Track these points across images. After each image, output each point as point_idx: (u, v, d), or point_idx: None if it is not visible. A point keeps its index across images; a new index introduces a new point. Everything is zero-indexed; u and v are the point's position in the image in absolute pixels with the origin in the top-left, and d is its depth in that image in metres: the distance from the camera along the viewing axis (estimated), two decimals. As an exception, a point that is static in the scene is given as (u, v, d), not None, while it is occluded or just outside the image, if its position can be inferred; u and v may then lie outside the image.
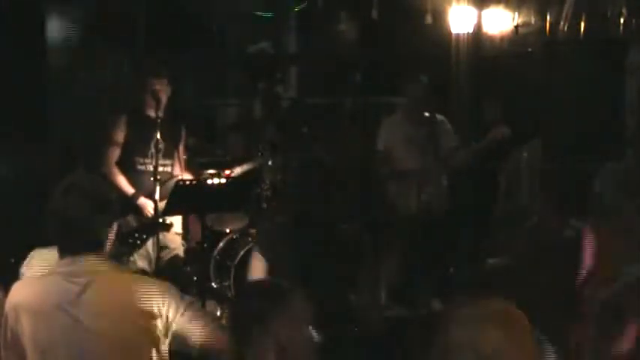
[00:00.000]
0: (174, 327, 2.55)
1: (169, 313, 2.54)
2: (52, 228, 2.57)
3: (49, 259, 2.84)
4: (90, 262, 2.54)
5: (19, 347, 2.52)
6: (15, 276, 3.05)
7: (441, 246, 5.71)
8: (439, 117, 5.90)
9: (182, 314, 2.56)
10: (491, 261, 5.29)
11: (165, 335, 2.54)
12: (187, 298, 2.69)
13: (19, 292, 2.58)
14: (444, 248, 5.76)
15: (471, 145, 5.98)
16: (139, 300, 2.51)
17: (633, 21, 5.52)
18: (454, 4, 7.12)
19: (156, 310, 2.52)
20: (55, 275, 2.55)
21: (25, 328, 2.50)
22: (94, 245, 2.56)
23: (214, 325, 2.64)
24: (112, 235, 2.62)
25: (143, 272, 4.66)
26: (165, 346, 2.55)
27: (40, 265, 2.97)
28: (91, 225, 2.55)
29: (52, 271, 2.58)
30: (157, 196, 4.90)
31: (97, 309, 2.49)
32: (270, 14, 8.19)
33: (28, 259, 3.09)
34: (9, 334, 2.54)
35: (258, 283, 2.98)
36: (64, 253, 2.56)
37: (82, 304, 2.49)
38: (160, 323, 2.52)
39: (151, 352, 2.51)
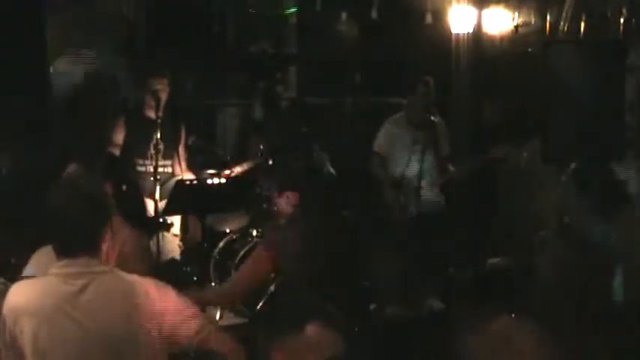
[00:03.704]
0: (172, 328, 2.55)
1: (167, 314, 2.54)
2: (49, 229, 2.57)
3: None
4: (87, 264, 2.54)
5: (17, 349, 2.52)
6: (15, 276, 3.06)
7: (440, 246, 5.71)
8: (438, 119, 5.91)
9: (180, 315, 2.56)
10: (491, 261, 5.29)
11: (164, 336, 2.54)
12: (185, 299, 2.69)
13: (17, 294, 2.58)
14: (444, 248, 5.76)
15: (466, 162, 6.00)
16: (136, 301, 2.51)
17: (633, 21, 5.52)
18: (454, 4, 7.12)
19: (154, 311, 2.52)
20: (53, 277, 2.55)
21: (24, 329, 2.50)
22: (91, 247, 2.56)
23: (211, 331, 2.64)
24: (109, 236, 2.62)
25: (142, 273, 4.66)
26: (164, 348, 2.55)
27: (46, 262, 2.98)
28: (88, 226, 2.55)
29: (49, 273, 2.58)
30: (157, 196, 4.90)
31: (95, 310, 2.49)
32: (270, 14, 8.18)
33: (34, 256, 3.11)
34: (7, 336, 2.54)
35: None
36: (61, 254, 2.56)
37: (80, 306, 2.48)
38: (158, 324, 2.52)
39: (149, 354, 2.51)
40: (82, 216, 2.53)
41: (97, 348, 2.47)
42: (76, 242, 2.54)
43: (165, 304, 2.55)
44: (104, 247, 2.59)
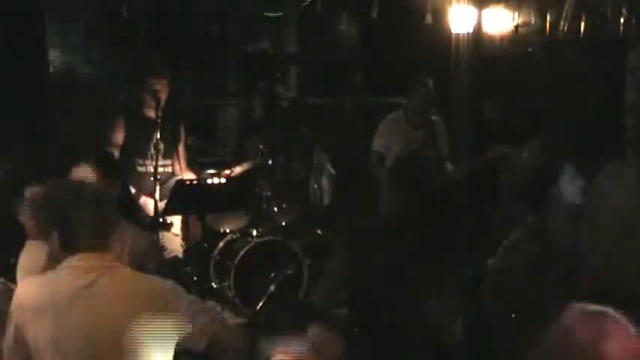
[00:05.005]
0: (181, 325, 2.56)
1: (176, 312, 2.55)
2: (60, 225, 2.59)
3: (40, 252, 2.89)
4: (100, 258, 2.55)
5: (23, 346, 2.52)
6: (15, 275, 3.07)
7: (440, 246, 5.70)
8: (436, 118, 5.91)
9: (189, 312, 2.57)
10: (491, 261, 5.28)
11: (172, 334, 2.54)
12: (193, 297, 2.71)
13: (25, 291, 2.60)
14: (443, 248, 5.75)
15: (465, 161, 6.00)
16: (146, 298, 2.53)
17: (633, 21, 5.52)
18: (454, 4, 7.12)
19: (163, 309, 2.53)
20: (64, 270, 2.57)
21: (32, 326, 2.50)
22: (103, 242, 2.58)
23: (222, 322, 2.66)
24: (113, 233, 2.65)
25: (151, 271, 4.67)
26: (171, 345, 2.55)
27: (33, 257, 3.01)
28: (100, 222, 2.57)
29: (59, 267, 2.59)
30: (157, 196, 4.90)
31: (105, 304, 2.50)
32: (278, 14, 8.18)
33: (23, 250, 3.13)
34: (13, 333, 2.54)
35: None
36: (72, 249, 2.57)
37: (90, 298, 2.50)
38: (166, 322, 2.53)
39: (156, 350, 2.51)
40: (95, 211, 2.56)
41: (105, 341, 2.47)
42: (89, 237, 2.56)
43: (177, 300, 2.57)
44: (113, 242, 2.62)
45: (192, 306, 2.61)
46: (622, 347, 1.80)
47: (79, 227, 2.56)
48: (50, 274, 2.63)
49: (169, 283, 2.66)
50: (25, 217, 3.35)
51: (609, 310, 1.86)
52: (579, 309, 1.88)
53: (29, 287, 2.61)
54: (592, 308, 1.87)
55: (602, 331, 1.83)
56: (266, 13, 8.04)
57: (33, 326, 2.49)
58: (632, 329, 1.82)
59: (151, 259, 3.32)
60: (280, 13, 8.09)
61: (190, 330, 2.57)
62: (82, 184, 2.72)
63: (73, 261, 2.56)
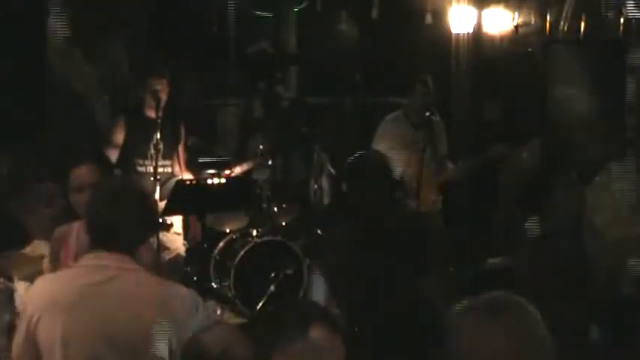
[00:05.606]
0: (192, 334, 2.55)
1: (189, 320, 2.55)
2: (90, 221, 2.60)
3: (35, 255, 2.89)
4: (118, 259, 2.56)
5: (33, 344, 2.52)
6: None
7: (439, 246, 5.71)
8: (436, 118, 5.91)
9: (202, 322, 2.57)
10: (491, 261, 5.29)
11: (181, 341, 2.54)
12: (208, 305, 2.70)
13: (39, 287, 2.60)
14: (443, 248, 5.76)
15: (465, 161, 6.01)
16: (160, 302, 2.52)
17: (633, 21, 5.52)
18: (454, 4, 7.12)
19: (176, 314, 2.53)
20: (81, 267, 2.58)
21: (44, 322, 2.50)
22: (127, 244, 2.58)
23: (235, 335, 2.65)
24: (147, 238, 2.65)
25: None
26: (178, 352, 2.55)
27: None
28: (129, 225, 2.57)
29: (75, 265, 2.60)
30: (157, 196, 4.91)
31: (115, 305, 2.50)
32: (270, 14, 8.19)
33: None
34: (24, 331, 2.54)
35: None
36: (95, 247, 2.58)
37: (101, 298, 2.50)
38: (177, 328, 2.52)
39: (163, 355, 2.51)
40: (126, 214, 2.57)
41: (112, 341, 2.47)
42: (113, 238, 2.56)
43: (189, 310, 2.56)
44: (141, 249, 2.62)
45: (208, 318, 2.61)
46: (509, 342, 1.79)
47: (105, 226, 2.57)
48: (66, 272, 2.64)
49: (186, 292, 2.65)
50: (27, 217, 3.35)
51: (497, 303, 1.84)
52: (469, 306, 1.86)
53: (43, 284, 2.62)
54: (480, 303, 1.85)
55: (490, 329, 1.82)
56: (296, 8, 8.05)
57: (44, 323, 2.50)
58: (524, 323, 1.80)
59: (148, 260, 3.31)
60: (305, 4, 8.07)
61: (202, 340, 2.57)
62: (123, 184, 2.72)
63: (90, 259, 2.57)
